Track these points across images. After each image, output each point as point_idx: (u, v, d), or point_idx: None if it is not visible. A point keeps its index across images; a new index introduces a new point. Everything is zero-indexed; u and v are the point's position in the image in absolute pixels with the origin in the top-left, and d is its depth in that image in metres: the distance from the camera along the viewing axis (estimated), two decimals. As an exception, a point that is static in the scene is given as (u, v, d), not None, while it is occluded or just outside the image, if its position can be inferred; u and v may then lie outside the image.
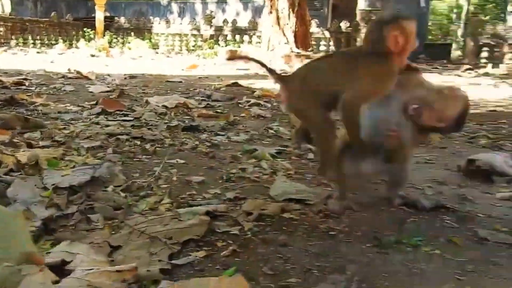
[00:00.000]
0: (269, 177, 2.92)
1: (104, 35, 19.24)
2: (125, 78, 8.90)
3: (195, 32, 19.83)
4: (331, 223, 2.20)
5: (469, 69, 14.69)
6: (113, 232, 2.04)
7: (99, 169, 2.64)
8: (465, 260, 1.88)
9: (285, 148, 3.63)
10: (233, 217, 2.23)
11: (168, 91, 6.97)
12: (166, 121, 4.56)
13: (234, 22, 19.24)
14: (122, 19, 21.59)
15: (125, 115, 4.80)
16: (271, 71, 2.44)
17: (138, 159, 3.19)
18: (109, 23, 21.02)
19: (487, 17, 24.47)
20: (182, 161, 3.18)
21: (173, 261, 1.80)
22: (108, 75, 9.23)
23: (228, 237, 2.03)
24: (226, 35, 19.15)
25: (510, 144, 4.16)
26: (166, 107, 5.23)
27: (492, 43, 16.13)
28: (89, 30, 19.69)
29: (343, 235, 2.10)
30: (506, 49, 15.92)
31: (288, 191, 2.59)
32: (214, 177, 2.87)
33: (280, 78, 2.45)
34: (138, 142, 3.65)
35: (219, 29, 19.43)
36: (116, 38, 20.40)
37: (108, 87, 7.24)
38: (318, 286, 1.62)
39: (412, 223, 2.24)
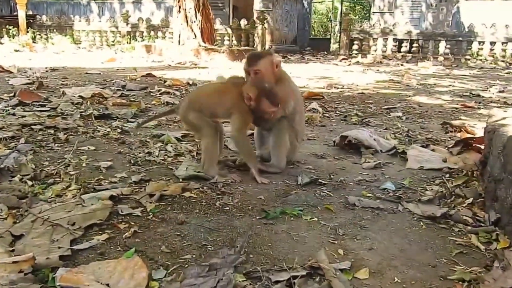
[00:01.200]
0: (174, 159, 2.73)
1: (27, 32, 17.55)
2: (46, 71, 8.14)
3: (113, 29, 18.66)
4: (226, 200, 2.08)
5: (344, 59, 15.19)
6: (16, 221, 1.77)
7: (5, 160, 2.31)
8: (338, 225, 1.84)
9: (189, 132, 3.44)
10: (136, 199, 2.03)
11: (86, 82, 6.44)
12: (82, 110, 4.18)
13: (148, 20, 18.31)
14: (44, 17, 19.79)
15: (42, 106, 4.33)
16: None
17: (49, 148, 2.86)
18: (31, 20, 19.15)
19: (356, 17, 25.43)
20: (93, 148, 2.89)
21: (74, 247, 1.58)
22: (30, 68, 8.38)
23: (131, 219, 1.84)
24: (142, 32, 18.25)
25: (374, 120, 4.28)
26: (82, 97, 4.80)
27: (361, 37, 16.76)
28: (11, 27, 17.82)
29: (236, 209, 1.98)
30: (371, 42, 16.61)
31: (191, 171, 2.44)
32: (122, 162, 2.64)
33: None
34: (52, 131, 3.29)
35: (135, 26, 18.42)
36: (40, 34, 18.72)
37: (29, 79, 6.53)
38: (210, 261, 1.49)
39: (294, 194, 2.17)
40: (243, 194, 2.16)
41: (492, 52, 14.81)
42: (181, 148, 2.94)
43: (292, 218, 1.90)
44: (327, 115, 4.56)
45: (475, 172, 2.50)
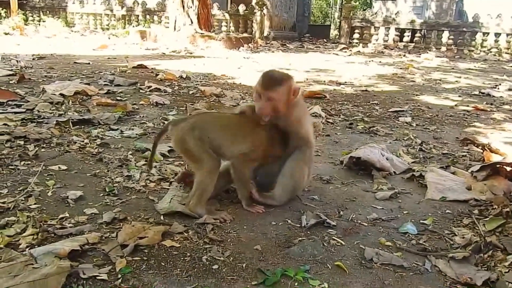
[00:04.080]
0: (157, 185, 2.34)
1: (18, 14, 16.90)
2: (33, 59, 7.64)
3: (108, 12, 18.06)
4: (215, 252, 1.68)
5: (345, 48, 14.70)
6: None
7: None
8: (354, 297, 1.46)
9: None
10: (104, 252, 1.64)
11: (72, 75, 5.98)
12: (61, 112, 3.77)
13: (144, 3, 17.70)
14: (37, -2, 19.17)
15: (18, 106, 3.90)
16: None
17: (13, 167, 2.44)
18: (23, 2, 18.52)
19: (357, 3, 24.72)
20: (64, 167, 2.48)
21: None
22: (16, 56, 7.87)
23: (94, 285, 1.45)
24: (138, 15, 17.67)
25: (382, 129, 3.88)
26: (63, 95, 4.37)
27: (362, 26, 16.24)
28: (1, 8, 17.12)
29: (227, 268, 1.59)
30: (372, 31, 16.10)
31: (175, 205, 2.05)
32: (95, 189, 2.23)
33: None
34: (21, 143, 2.88)
35: (130, 10, 17.84)
36: (32, 16, 18.09)
37: (11, 70, 6.06)
38: None
39: (298, 244, 1.77)
40: (236, 243, 1.77)
41: (496, 43, 14.33)
42: (166, 170, 2.53)
43: (296, 284, 1.51)
44: (330, 120, 4.15)
45: (509, 208, 2.13)
